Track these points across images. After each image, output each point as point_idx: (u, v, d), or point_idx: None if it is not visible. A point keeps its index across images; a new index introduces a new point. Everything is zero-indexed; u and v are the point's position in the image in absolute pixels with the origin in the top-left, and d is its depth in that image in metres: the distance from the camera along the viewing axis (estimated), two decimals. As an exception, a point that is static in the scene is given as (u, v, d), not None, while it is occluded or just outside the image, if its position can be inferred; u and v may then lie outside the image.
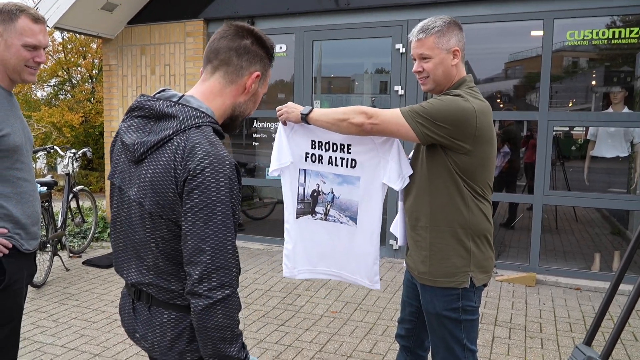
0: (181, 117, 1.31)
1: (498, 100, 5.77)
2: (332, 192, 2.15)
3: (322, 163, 2.14)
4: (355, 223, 2.13)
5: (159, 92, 1.42)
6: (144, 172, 1.33)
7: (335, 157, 2.12)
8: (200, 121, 1.31)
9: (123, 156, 1.41)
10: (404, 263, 2.13)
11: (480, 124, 1.79)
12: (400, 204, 2.12)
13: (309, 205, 2.21)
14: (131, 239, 1.41)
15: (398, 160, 1.97)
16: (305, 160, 2.20)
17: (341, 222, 2.16)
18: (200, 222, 1.25)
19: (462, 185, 1.84)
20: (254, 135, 6.64)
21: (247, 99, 1.43)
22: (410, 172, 1.98)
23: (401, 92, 5.64)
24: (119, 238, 1.45)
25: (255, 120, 6.60)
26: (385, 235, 5.84)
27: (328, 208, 2.16)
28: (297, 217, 2.23)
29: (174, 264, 1.36)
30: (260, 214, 7.21)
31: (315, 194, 2.20)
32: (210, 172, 1.24)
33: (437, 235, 1.92)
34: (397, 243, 5.39)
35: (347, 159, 2.10)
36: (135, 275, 1.43)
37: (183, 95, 1.39)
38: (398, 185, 1.98)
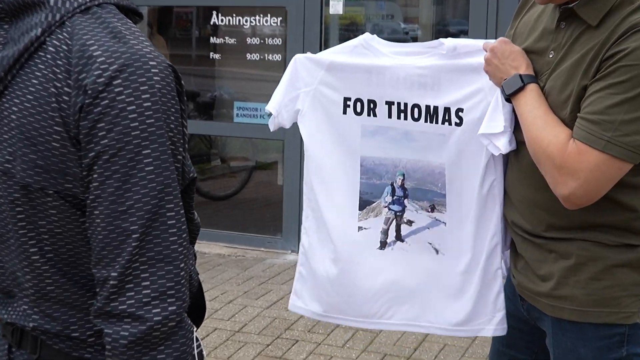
0: (52, 1, 1.34)
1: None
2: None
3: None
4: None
5: None
6: (5, 113, 1.36)
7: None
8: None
9: None
10: (508, 279, 2.31)
11: None
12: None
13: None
14: None
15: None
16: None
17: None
18: (116, 182, 1.27)
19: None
20: (214, 40, 6.50)
21: None
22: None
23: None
24: None
25: (215, 13, 6.40)
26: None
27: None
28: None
29: (76, 284, 1.39)
30: (223, 190, 7.28)
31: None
32: (124, 85, 1.27)
33: (589, 238, 2.00)
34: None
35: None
36: (8, 309, 1.48)
37: None
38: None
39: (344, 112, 2.42)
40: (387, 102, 2.35)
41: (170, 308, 1.30)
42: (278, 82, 2.49)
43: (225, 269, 5.84)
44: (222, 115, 6.80)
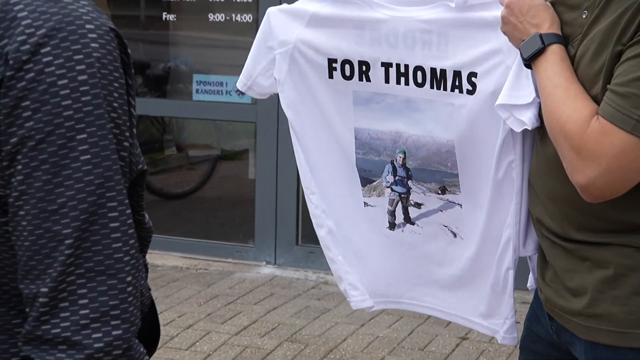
0: None
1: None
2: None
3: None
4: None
5: None
6: None
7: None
8: None
9: None
10: (535, 294, 2.35)
11: None
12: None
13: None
14: None
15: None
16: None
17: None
18: (44, 174, 1.30)
19: None
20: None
21: None
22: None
23: None
24: None
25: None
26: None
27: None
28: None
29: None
30: (180, 186, 7.38)
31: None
32: (53, 54, 1.30)
33: (631, 243, 2.01)
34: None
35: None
36: None
37: None
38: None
39: (330, 76, 2.42)
40: (383, 64, 2.36)
41: (114, 332, 1.31)
42: (249, 49, 2.51)
43: (184, 286, 5.76)
44: (179, 92, 6.86)
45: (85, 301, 1.29)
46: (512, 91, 2.13)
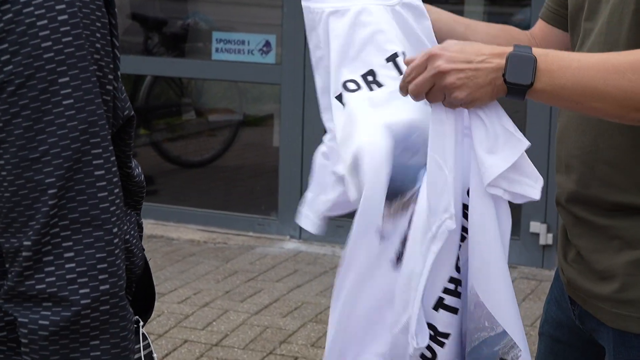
0: None
1: None
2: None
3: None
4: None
5: None
6: None
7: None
8: None
9: None
10: (556, 275, 2.37)
11: None
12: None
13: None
14: None
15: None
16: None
17: None
18: (25, 120, 1.33)
19: None
20: None
21: None
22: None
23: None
24: None
25: None
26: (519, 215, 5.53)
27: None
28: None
29: None
30: (199, 153, 7.35)
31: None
32: None
33: None
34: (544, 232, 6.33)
35: None
36: None
37: None
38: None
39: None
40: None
41: (102, 287, 1.33)
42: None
43: (200, 261, 5.74)
44: (197, 51, 6.84)
45: (71, 254, 1.31)
46: (492, 156, 1.95)
